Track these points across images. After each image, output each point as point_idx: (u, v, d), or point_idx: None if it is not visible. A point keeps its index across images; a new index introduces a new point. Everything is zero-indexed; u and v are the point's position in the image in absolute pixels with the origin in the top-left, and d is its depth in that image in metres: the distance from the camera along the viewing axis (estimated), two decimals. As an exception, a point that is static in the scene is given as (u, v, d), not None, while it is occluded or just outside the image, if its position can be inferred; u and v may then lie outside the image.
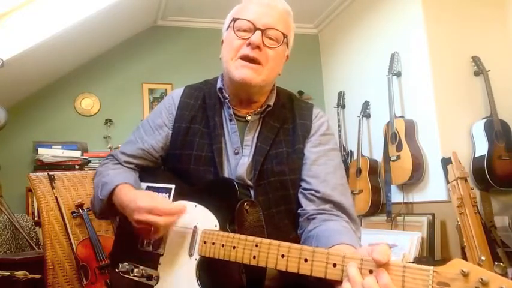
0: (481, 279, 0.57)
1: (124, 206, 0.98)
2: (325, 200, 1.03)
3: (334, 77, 4.29)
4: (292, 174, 1.06)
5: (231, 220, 0.92)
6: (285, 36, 1.05)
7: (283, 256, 0.76)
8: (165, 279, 0.95)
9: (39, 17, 2.73)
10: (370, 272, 0.66)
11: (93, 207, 1.12)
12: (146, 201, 0.92)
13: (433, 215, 2.82)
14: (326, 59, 4.48)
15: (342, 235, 0.90)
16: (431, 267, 0.61)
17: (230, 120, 1.10)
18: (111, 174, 1.09)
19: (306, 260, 0.74)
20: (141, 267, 0.97)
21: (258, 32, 1.01)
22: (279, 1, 1.07)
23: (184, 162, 1.08)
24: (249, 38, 1.02)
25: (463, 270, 0.58)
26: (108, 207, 1.05)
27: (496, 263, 0.57)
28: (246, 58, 1.02)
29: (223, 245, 0.86)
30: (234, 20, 1.04)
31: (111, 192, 1.03)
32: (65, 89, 3.92)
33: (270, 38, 1.03)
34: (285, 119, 1.12)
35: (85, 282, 1.83)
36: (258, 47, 1.01)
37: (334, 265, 0.70)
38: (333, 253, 0.71)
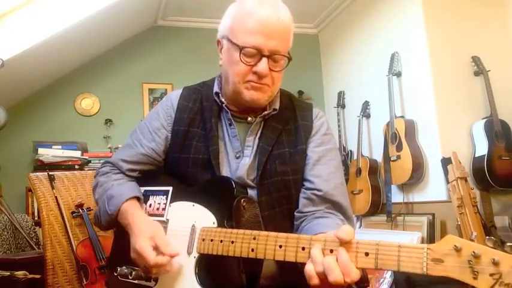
0: (473, 252, 0.59)
1: (128, 230, 1.00)
2: (326, 199, 1.04)
3: (334, 77, 4.29)
4: (295, 174, 1.06)
5: (228, 217, 0.92)
6: (289, 59, 1.05)
7: (280, 246, 0.78)
8: (164, 279, 0.95)
9: (39, 17, 2.73)
10: (331, 251, 0.71)
11: (99, 220, 1.10)
12: (144, 246, 0.92)
13: (433, 215, 2.82)
14: (326, 59, 4.48)
15: (330, 228, 0.91)
16: (425, 245, 0.63)
17: (230, 124, 1.09)
18: (115, 186, 1.08)
19: (303, 249, 0.75)
20: (139, 269, 0.97)
21: (264, 60, 1.00)
22: (282, 11, 1.03)
23: (182, 166, 1.08)
24: (255, 64, 1.00)
25: (455, 246, 0.60)
26: (116, 222, 1.05)
27: (488, 237, 0.59)
28: (254, 82, 1.03)
29: (221, 241, 0.87)
30: (241, 48, 1.00)
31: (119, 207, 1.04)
32: (65, 89, 3.93)
33: (275, 61, 1.03)
34: (287, 120, 1.12)
35: (85, 282, 1.83)
36: (265, 76, 1.02)
37: (332, 251, 0.73)
38: (330, 239, 0.74)
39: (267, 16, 0.99)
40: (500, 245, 0.58)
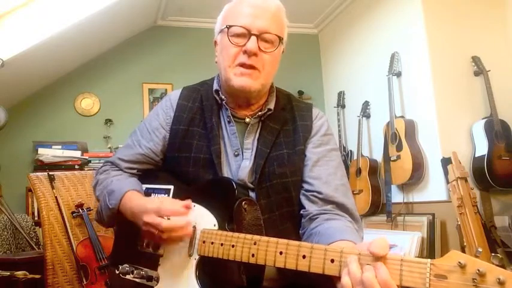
0: (478, 270, 0.57)
1: (134, 211, 0.98)
2: (328, 201, 1.02)
3: (334, 77, 4.29)
4: (294, 176, 1.05)
5: (229, 219, 0.92)
6: (280, 38, 1.05)
7: (281, 253, 0.77)
8: (165, 279, 0.95)
9: (39, 17, 2.73)
10: (332, 261, 0.68)
11: (101, 216, 1.10)
12: (154, 203, 0.94)
13: (433, 215, 2.82)
14: (326, 59, 4.48)
15: (344, 233, 0.90)
16: (429, 260, 0.61)
17: (229, 122, 1.09)
18: (115, 182, 1.08)
19: (304, 257, 0.74)
20: (141, 268, 0.97)
21: (253, 38, 1.00)
22: None
23: (183, 165, 1.07)
24: (244, 44, 1.01)
25: (460, 262, 0.58)
26: (118, 215, 1.05)
27: (493, 254, 0.57)
28: (244, 65, 1.02)
29: (222, 244, 0.86)
30: (228, 27, 1.02)
31: (120, 200, 1.03)
32: (65, 89, 3.93)
33: (266, 41, 1.02)
34: (285, 120, 1.11)
35: (85, 282, 1.83)
36: (254, 54, 1.01)
37: (332, 261, 0.70)
38: (331, 249, 0.72)
39: (255, 0, 1.03)
40: (507, 263, 0.56)
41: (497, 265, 0.57)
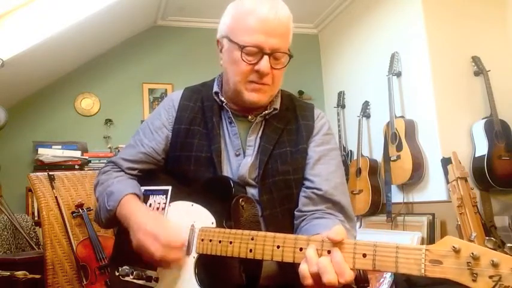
0: (472, 253, 0.57)
1: (130, 219, 0.98)
2: (326, 198, 1.04)
3: (334, 77, 4.29)
4: (296, 173, 1.07)
5: (227, 217, 0.92)
6: (290, 56, 1.05)
7: (278, 247, 0.78)
8: (165, 279, 0.95)
9: (39, 17, 2.73)
10: (329, 252, 0.71)
11: (98, 217, 1.10)
12: (153, 227, 0.92)
13: (433, 215, 2.82)
14: (326, 59, 4.48)
15: (328, 229, 0.91)
16: (424, 246, 0.62)
17: (230, 122, 1.10)
18: (115, 183, 1.08)
19: (301, 249, 0.75)
20: (141, 269, 0.97)
21: (266, 58, 1.00)
22: (281, 8, 1.03)
23: (184, 164, 1.08)
24: (256, 63, 1.01)
25: (454, 247, 0.59)
26: (115, 218, 1.04)
27: (487, 238, 0.58)
28: (256, 83, 1.03)
29: (220, 241, 0.87)
30: (242, 47, 1.00)
31: (119, 202, 1.03)
32: (65, 89, 3.93)
33: (276, 58, 1.03)
34: (288, 120, 1.13)
35: (85, 282, 1.83)
36: (267, 74, 1.02)
37: (329, 252, 0.72)
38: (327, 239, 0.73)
39: (267, 14, 0.99)
40: (500, 245, 0.57)
41: (491, 248, 0.58)
